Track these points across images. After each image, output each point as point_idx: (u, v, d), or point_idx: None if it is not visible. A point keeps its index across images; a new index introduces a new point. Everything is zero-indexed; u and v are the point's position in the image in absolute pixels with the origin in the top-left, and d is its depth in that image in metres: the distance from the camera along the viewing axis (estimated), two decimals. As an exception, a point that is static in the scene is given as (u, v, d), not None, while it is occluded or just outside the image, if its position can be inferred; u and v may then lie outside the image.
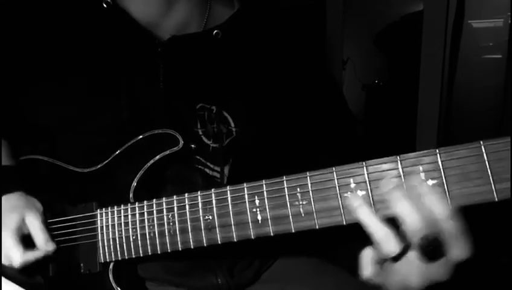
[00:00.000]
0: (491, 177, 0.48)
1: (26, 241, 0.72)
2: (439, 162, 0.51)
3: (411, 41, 2.77)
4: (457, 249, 0.50)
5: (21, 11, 0.79)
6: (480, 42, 2.96)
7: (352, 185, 0.55)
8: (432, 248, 0.49)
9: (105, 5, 0.76)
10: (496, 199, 0.48)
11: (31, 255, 0.71)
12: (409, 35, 2.90)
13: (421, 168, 0.51)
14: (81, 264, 0.75)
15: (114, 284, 0.73)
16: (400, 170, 0.52)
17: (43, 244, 0.72)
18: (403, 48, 3.12)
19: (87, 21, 0.78)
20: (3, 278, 0.72)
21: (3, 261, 0.71)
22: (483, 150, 0.48)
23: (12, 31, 0.78)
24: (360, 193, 0.55)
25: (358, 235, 0.54)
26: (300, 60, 0.87)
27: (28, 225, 0.73)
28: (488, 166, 0.48)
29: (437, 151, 0.50)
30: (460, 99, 2.68)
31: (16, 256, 0.70)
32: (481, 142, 0.48)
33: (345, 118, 0.92)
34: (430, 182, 0.51)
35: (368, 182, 0.54)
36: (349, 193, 0.55)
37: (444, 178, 0.51)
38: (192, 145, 0.77)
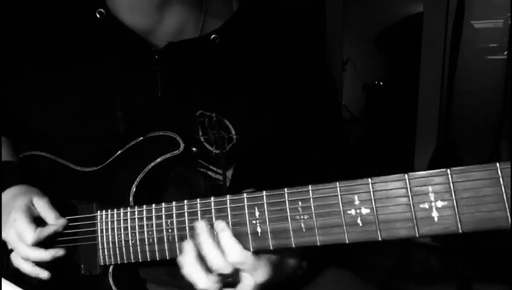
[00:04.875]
0: (506, 203, 0.45)
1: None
2: (451, 183, 0.47)
3: (411, 41, 2.76)
4: (255, 278, 0.60)
5: (16, 22, 0.78)
6: (481, 43, 2.95)
7: (357, 202, 0.53)
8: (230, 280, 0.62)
9: (98, 15, 0.75)
10: (511, 227, 0.45)
11: (44, 232, 0.72)
12: (409, 36, 2.90)
13: (430, 188, 0.48)
14: (82, 266, 0.75)
15: (114, 288, 0.73)
16: (408, 189, 0.50)
17: (54, 220, 0.73)
18: (403, 48, 3.12)
19: (81, 31, 0.77)
20: (3, 279, 0.71)
21: (16, 242, 0.73)
22: (500, 174, 0.45)
23: (8, 42, 0.78)
24: (365, 210, 0.52)
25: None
26: (300, 62, 0.85)
27: (36, 206, 0.74)
28: (503, 190, 0.45)
29: (448, 171, 0.47)
30: (461, 100, 2.67)
31: (29, 234, 0.71)
32: (497, 165, 0.45)
33: (335, 124, 0.91)
34: (440, 204, 0.48)
35: (373, 200, 0.52)
36: (352, 210, 0.53)
37: (454, 201, 0.47)
38: (194, 149, 0.77)
